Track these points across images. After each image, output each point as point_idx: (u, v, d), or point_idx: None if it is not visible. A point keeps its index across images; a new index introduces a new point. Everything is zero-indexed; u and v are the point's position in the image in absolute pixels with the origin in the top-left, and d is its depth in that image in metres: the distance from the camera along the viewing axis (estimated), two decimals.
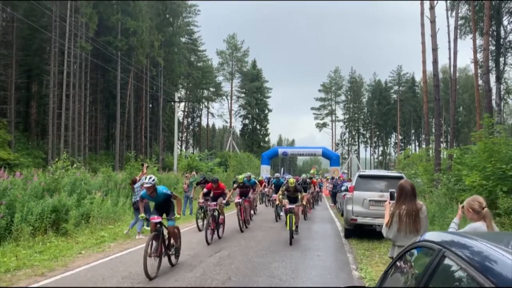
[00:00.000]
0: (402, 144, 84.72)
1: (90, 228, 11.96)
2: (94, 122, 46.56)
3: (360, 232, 11.88)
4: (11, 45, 33.87)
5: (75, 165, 14.71)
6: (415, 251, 1.96)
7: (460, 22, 33.49)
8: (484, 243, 1.38)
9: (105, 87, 47.41)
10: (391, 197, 5.08)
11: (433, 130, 25.23)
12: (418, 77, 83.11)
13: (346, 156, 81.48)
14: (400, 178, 11.47)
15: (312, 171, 53.54)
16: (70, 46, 35.46)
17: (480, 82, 25.94)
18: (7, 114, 33.49)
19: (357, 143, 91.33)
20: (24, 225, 9.99)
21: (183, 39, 63.84)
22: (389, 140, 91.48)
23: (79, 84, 38.02)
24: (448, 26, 26.59)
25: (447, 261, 1.43)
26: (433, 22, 20.97)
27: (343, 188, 20.05)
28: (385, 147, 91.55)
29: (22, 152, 32.56)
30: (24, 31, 35.83)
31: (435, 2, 21.40)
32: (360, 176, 11.90)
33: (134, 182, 12.48)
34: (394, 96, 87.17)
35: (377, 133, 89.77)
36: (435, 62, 20.69)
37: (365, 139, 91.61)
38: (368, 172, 12.57)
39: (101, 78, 45.77)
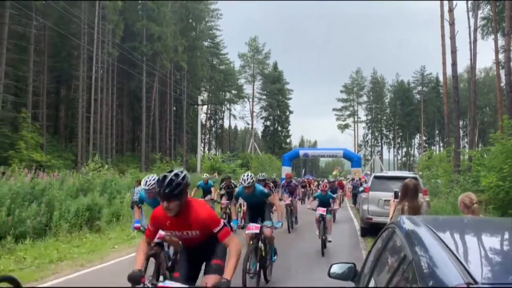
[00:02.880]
0: (426, 145, 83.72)
1: (120, 225, 12.82)
2: (121, 125, 48.06)
3: (375, 230, 12.33)
4: (43, 52, 35.50)
5: (106, 166, 15.66)
6: (385, 232, 2.55)
7: (482, 22, 33.34)
8: (426, 224, 1.94)
9: (131, 91, 48.89)
10: (395, 196, 5.65)
11: (453, 132, 25.28)
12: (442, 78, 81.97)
13: (369, 158, 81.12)
14: (414, 179, 11.86)
15: (334, 172, 53.73)
16: (97, 52, 36.90)
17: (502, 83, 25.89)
18: (39, 118, 35.08)
19: (380, 144, 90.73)
20: (62, 222, 10.90)
21: (205, 43, 65.03)
22: (413, 141, 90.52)
23: (106, 89, 39.49)
24: (469, 27, 26.63)
25: (394, 236, 2.03)
26: (452, 24, 21.18)
27: (360, 189, 20.47)
28: (409, 148, 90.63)
29: (53, 154, 34.01)
30: (54, 39, 37.45)
31: (454, 3, 21.59)
32: (376, 177, 12.39)
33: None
34: (417, 96, 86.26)
35: (400, 134, 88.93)
36: (454, 64, 20.89)
37: (388, 140, 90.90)
38: (383, 173, 13.02)
39: (127, 82, 47.24)
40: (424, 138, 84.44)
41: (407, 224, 1.95)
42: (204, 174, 15.19)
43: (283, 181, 18.64)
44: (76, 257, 8.79)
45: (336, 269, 2.92)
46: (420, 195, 10.12)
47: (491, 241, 1.68)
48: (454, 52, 20.70)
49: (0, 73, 28.51)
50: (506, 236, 1.71)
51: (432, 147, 79.89)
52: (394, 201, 5.55)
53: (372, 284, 2.11)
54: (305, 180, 26.28)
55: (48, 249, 9.22)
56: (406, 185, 5.36)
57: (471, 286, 1.06)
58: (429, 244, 1.44)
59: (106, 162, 22.14)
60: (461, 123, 65.04)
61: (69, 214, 11.23)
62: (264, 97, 76.75)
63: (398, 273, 1.58)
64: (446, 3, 22.05)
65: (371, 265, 2.42)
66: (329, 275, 2.94)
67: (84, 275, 7.52)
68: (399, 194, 5.46)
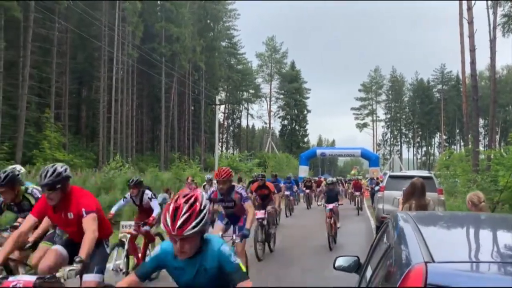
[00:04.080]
0: (447, 144, 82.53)
1: None
2: (140, 124, 48.94)
3: None
4: (65, 54, 36.51)
5: (126, 165, 16.14)
6: (383, 226, 2.77)
7: (503, 20, 32.82)
8: (413, 219, 2.16)
9: (150, 91, 49.76)
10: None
11: (473, 131, 25.01)
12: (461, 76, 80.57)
13: (388, 157, 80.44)
14: (429, 178, 11.93)
15: (353, 172, 53.54)
16: (118, 53, 37.74)
17: None
18: (62, 118, 36.06)
19: (399, 143, 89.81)
20: None
21: (223, 43, 65.53)
22: (433, 140, 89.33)
23: (126, 89, 40.34)
24: (489, 25, 26.28)
25: (387, 229, 2.25)
26: (470, 23, 20.98)
27: (376, 188, 20.49)
28: (429, 147, 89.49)
29: (75, 153, 34.89)
30: (76, 41, 38.43)
31: (473, 2, 21.37)
32: (391, 177, 12.49)
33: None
34: (437, 95, 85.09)
35: (420, 133, 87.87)
36: (472, 62, 20.70)
37: (408, 139, 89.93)
38: (398, 173, 13.11)
39: (146, 83, 48.08)
40: (444, 137, 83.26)
41: (399, 219, 2.16)
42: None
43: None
44: None
45: (341, 262, 3.14)
46: (433, 194, 10.25)
47: (462, 231, 1.90)
48: (472, 50, 20.51)
49: (25, 75, 29.45)
50: (479, 227, 1.93)
51: (453, 146, 78.77)
52: (402, 199, 5.75)
53: (368, 270, 2.33)
54: (310, 179, 25.12)
55: None
56: (413, 184, 5.54)
57: (428, 263, 1.29)
58: (408, 234, 1.67)
59: (127, 161, 22.74)
60: (482, 121, 64.03)
61: None
62: (282, 96, 76.86)
63: (383, 258, 1.81)
64: (464, 2, 21.85)
65: (369, 255, 2.65)
66: (335, 267, 3.16)
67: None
68: (406, 193, 5.65)
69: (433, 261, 1.31)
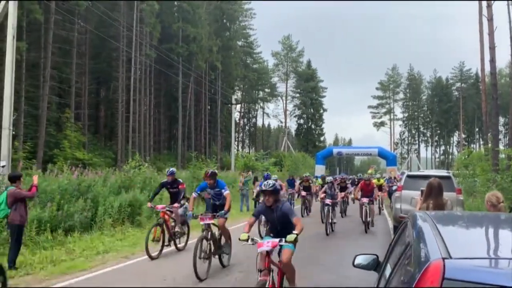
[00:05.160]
0: (466, 143, 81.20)
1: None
2: (158, 124, 49.48)
3: None
4: (84, 55, 37.16)
5: (146, 164, 16.40)
6: (402, 226, 2.84)
7: None
8: (432, 218, 2.23)
9: (167, 91, 50.24)
10: (422, 194, 5.86)
11: (492, 130, 24.63)
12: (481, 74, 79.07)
13: (406, 156, 79.58)
14: (448, 178, 11.85)
15: (370, 171, 53.10)
16: (136, 53, 38.22)
17: None
18: (81, 117, 36.72)
19: (417, 142, 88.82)
20: (106, 216, 11.61)
21: (239, 43, 65.73)
22: (452, 139, 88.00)
23: (144, 89, 40.85)
24: (510, 22, 25.83)
25: (406, 228, 2.33)
26: (490, 20, 20.66)
27: (394, 187, 20.33)
28: (447, 146, 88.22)
29: (95, 152, 35.49)
30: (95, 42, 39.07)
31: (492, 1, 21.03)
32: (409, 176, 12.45)
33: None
34: (456, 93, 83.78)
35: (438, 131, 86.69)
36: (492, 60, 20.38)
37: (426, 138, 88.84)
38: (416, 172, 13.05)
39: (164, 83, 48.57)
40: (463, 135, 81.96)
41: (417, 218, 2.24)
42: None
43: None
44: (120, 249, 9.42)
45: (360, 260, 3.21)
46: (451, 193, 10.19)
47: (480, 230, 1.97)
48: (492, 48, 20.20)
49: (46, 75, 30.08)
50: (497, 227, 1.99)
51: (472, 145, 77.43)
52: (420, 199, 5.76)
53: (388, 269, 2.41)
54: (308, 178, 18.68)
55: (94, 241, 9.92)
56: (430, 184, 5.56)
57: (445, 259, 1.37)
58: (426, 232, 1.75)
59: (145, 160, 23.06)
60: (502, 120, 62.81)
61: (113, 209, 11.92)
62: (298, 95, 76.71)
63: (402, 256, 1.89)
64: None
65: (388, 253, 2.72)
66: (354, 265, 3.24)
67: (130, 265, 8.13)
68: (424, 193, 5.66)
69: (450, 257, 1.39)
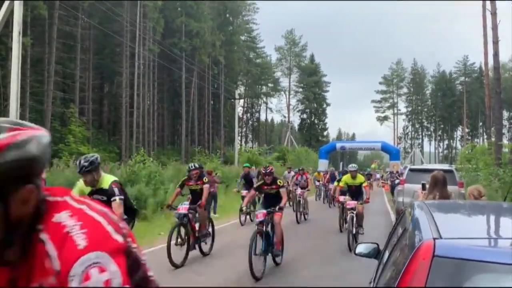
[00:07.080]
0: (469, 138, 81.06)
1: (165, 214, 13.62)
2: (161, 119, 49.68)
3: None
4: (88, 50, 37.33)
5: (150, 159, 16.58)
6: (402, 214, 2.98)
7: None
8: (428, 206, 2.36)
9: (170, 86, 50.41)
10: (423, 187, 6.00)
11: (496, 124, 24.69)
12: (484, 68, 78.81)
13: (409, 150, 79.55)
14: (450, 171, 11.96)
15: (373, 165, 53.23)
16: (139, 49, 38.37)
17: None
18: (85, 112, 36.96)
19: (420, 136, 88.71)
20: None
21: (242, 37, 65.70)
22: (455, 133, 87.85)
23: (147, 84, 41.03)
24: None
25: (404, 216, 2.47)
26: (493, 14, 20.68)
27: (396, 181, 20.43)
28: (451, 141, 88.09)
29: (99, 147, 35.69)
30: (98, 37, 39.21)
31: None
32: (411, 170, 12.57)
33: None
34: (460, 87, 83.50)
35: (442, 126, 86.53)
36: (495, 54, 20.43)
37: (429, 133, 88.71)
38: (418, 166, 13.16)
39: (167, 78, 48.74)
40: (466, 130, 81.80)
41: (415, 207, 2.38)
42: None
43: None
44: None
45: (361, 248, 3.35)
46: (453, 187, 10.31)
47: (470, 215, 2.11)
48: (496, 42, 20.24)
49: (51, 71, 30.29)
50: (485, 213, 2.13)
51: (475, 140, 77.33)
52: (422, 192, 5.89)
53: (386, 255, 2.55)
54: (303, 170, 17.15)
55: None
56: (435, 176, 5.69)
57: (436, 239, 1.51)
58: (421, 218, 1.89)
59: (149, 155, 23.26)
60: (505, 114, 62.68)
61: None
62: (301, 90, 76.73)
63: (400, 239, 2.03)
64: None
65: (388, 241, 2.87)
66: (355, 253, 3.38)
67: None
68: (428, 185, 5.79)
69: (441, 238, 1.53)
